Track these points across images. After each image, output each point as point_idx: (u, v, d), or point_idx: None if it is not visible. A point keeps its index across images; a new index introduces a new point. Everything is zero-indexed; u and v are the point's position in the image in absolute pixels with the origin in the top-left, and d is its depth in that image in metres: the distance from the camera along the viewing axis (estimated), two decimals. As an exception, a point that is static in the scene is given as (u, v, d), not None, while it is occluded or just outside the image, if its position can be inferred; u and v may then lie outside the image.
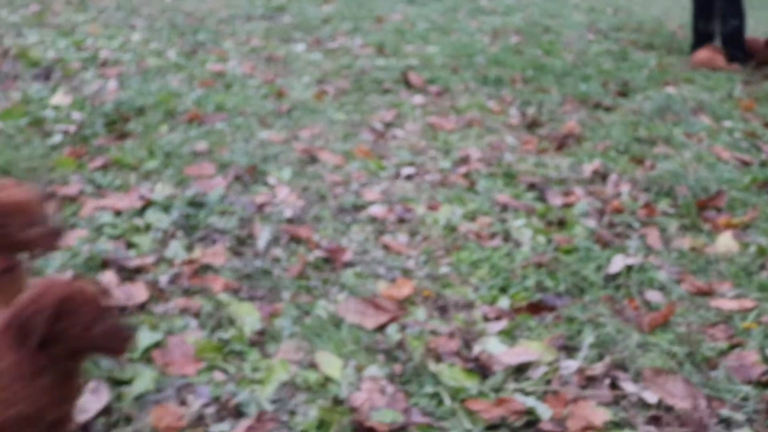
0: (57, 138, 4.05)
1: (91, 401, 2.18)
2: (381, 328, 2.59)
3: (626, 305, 2.77)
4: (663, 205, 3.68)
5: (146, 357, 2.41)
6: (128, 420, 2.13)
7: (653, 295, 2.87)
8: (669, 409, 2.24)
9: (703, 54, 6.65)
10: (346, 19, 7.66)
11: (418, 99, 5.18)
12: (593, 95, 5.45)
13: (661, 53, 7.08)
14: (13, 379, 1.61)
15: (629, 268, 3.01)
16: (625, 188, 3.83)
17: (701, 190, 3.80)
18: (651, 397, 2.27)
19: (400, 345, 2.49)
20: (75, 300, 1.64)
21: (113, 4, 7.91)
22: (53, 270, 2.83)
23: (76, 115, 4.36)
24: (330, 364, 2.37)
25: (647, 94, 5.57)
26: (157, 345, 2.45)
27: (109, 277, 2.79)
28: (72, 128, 4.17)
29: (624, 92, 5.63)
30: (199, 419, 2.15)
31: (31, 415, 1.62)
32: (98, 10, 7.47)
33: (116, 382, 2.28)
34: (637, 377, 2.37)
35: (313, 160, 3.97)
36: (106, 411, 2.16)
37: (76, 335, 1.63)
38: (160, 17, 7.29)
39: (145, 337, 2.47)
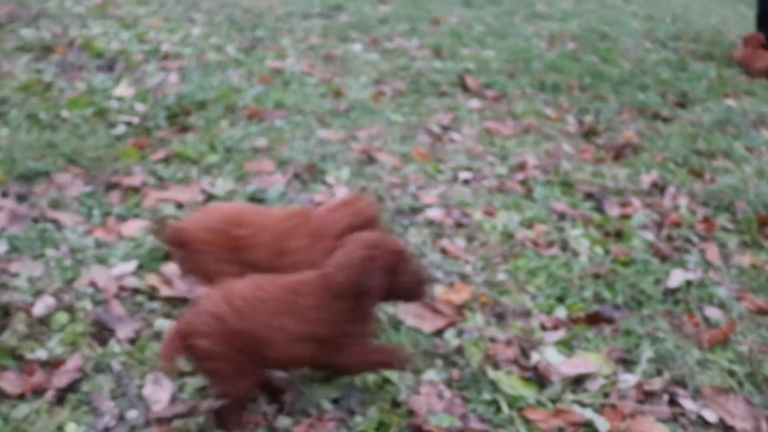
0: (121, 129, 4.12)
1: (156, 391, 2.24)
2: (439, 333, 2.61)
3: (685, 321, 2.76)
4: (722, 220, 3.65)
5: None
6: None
7: (713, 312, 2.85)
8: (729, 429, 2.23)
9: (764, 64, 6.55)
10: (402, 20, 7.67)
11: (474, 103, 5.18)
12: (651, 105, 5.40)
13: (721, 64, 6.99)
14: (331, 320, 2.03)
15: (688, 283, 2.99)
16: (683, 201, 3.80)
17: (762, 205, 3.76)
18: (711, 415, 2.26)
19: (458, 350, 2.50)
20: (399, 255, 2.04)
21: (173, -2, 8.01)
22: (117, 259, 2.89)
23: (139, 107, 4.43)
24: (388, 365, 2.39)
25: (706, 106, 5.51)
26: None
27: (172, 269, 2.84)
28: (135, 120, 4.25)
29: (683, 103, 5.57)
30: (263, 416, 2.18)
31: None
32: (159, 3, 7.57)
33: (179, 374, 2.33)
34: (696, 395, 2.36)
35: (371, 160, 3.99)
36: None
37: (394, 286, 2.04)
38: (219, 12, 7.37)
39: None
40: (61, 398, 2.22)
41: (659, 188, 3.97)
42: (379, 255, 2.03)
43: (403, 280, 2.07)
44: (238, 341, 1.98)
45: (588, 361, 2.47)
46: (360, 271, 2.01)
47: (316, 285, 2.06)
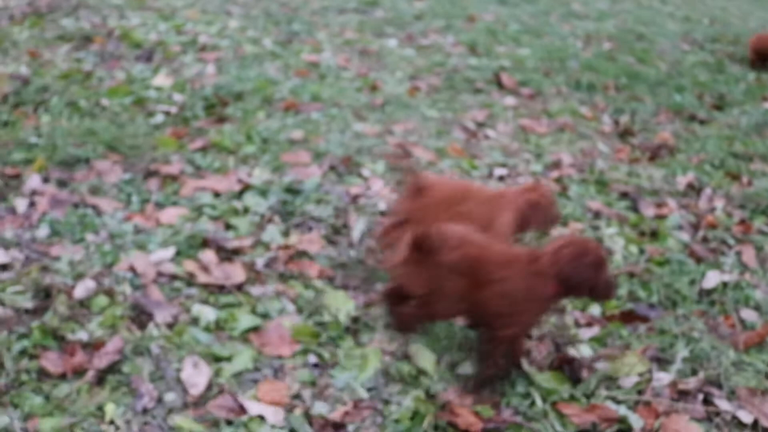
0: (159, 118, 4.17)
1: (195, 375, 2.27)
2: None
3: (721, 322, 2.75)
4: (759, 222, 3.63)
5: (244, 337, 2.49)
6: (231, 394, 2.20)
7: (748, 314, 2.84)
8: (765, 431, 2.22)
9: None
10: (437, 17, 7.67)
11: (509, 100, 5.18)
12: (688, 107, 5.36)
13: (759, 67, 6.91)
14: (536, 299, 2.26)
15: (724, 285, 2.98)
16: (719, 203, 3.78)
17: (801, 210, 3.73)
18: (746, 416, 2.25)
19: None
20: (603, 258, 2.25)
21: (210, -10, 8.07)
22: (155, 245, 2.93)
23: (177, 97, 4.48)
24: (424, 357, 2.41)
25: (744, 109, 5.46)
26: (255, 328, 2.53)
27: (209, 256, 2.88)
28: (173, 109, 4.29)
29: (720, 105, 5.53)
30: (299, 398, 2.21)
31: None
32: (196, -5, 7.63)
33: (215, 359, 2.37)
34: (732, 395, 2.35)
35: (406, 154, 4.00)
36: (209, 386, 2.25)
37: (594, 284, 2.24)
38: (256, 5, 7.41)
39: (244, 319, 2.55)
40: (101, 379, 2.26)
41: (695, 190, 3.95)
42: (589, 254, 2.24)
43: (601, 280, 2.26)
44: (461, 267, 2.20)
45: (622, 359, 2.47)
46: (572, 264, 2.22)
47: (529, 261, 2.27)
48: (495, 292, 2.21)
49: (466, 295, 2.21)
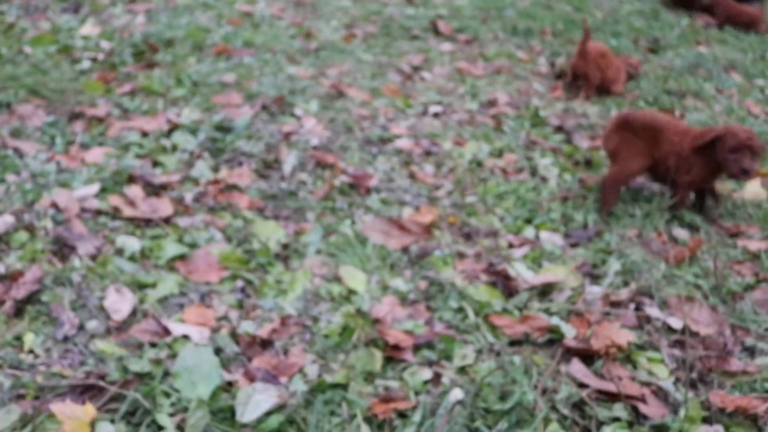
0: (85, 64, 4.04)
1: (118, 302, 2.19)
2: (405, 250, 2.59)
3: (654, 238, 2.75)
4: (692, 153, 3.64)
5: (170, 266, 2.42)
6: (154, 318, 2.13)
7: (681, 233, 2.85)
8: (693, 334, 2.23)
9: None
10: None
11: (446, 46, 5.14)
12: (624, 50, 5.37)
13: (692, 14, 6.97)
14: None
15: (659, 208, 2.98)
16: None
17: (731, 140, 3.75)
18: (676, 322, 2.26)
19: (425, 264, 2.48)
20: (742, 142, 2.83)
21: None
22: (80, 183, 2.83)
23: (105, 45, 4.35)
24: (354, 277, 2.38)
25: (678, 52, 5.49)
26: (181, 257, 2.46)
27: (135, 191, 2.79)
28: (100, 56, 4.16)
29: (654, 49, 5.56)
30: (225, 319, 2.15)
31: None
32: (127, -47, 7.43)
33: (139, 286, 2.29)
34: (663, 305, 2.36)
35: (340, 95, 3.95)
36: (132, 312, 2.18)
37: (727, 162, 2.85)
38: (189, -39, 7.24)
39: (170, 248, 2.48)
40: (19, 310, 2.17)
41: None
42: (732, 138, 2.83)
43: (737, 159, 2.82)
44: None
45: (555, 273, 2.46)
46: (714, 138, 2.86)
47: (696, 135, 2.97)
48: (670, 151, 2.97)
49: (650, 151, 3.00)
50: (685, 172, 2.96)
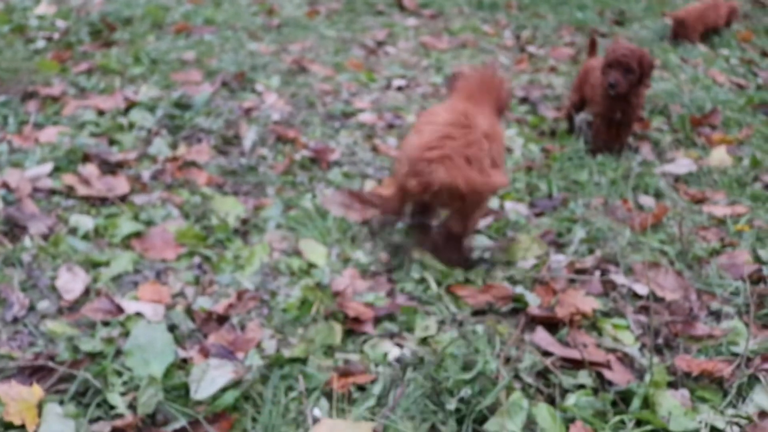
0: (40, 44, 3.94)
1: (70, 281, 2.13)
2: (366, 223, 2.53)
3: (619, 206, 2.72)
4: (657, 122, 3.62)
5: (125, 244, 2.35)
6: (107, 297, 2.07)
7: (646, 200, 2.82)
8: (659, 300, 2.20)
9: None
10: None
11: (411, 21, 5.08)
12: (589, 23, 5.35)
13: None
14: None
15: (624, 177, 2.96)
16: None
17: (696, 109, 3.74)
18: (641, 288, 2.23)
19: (388, 236, 2.43)
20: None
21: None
22: (33, 163, 2.75)
23: (60, 24, 4.25)
24: (314, 251, 2.32)
25: (643, 24, 5.48)
26: (137, 234, 2.39)
27: (90, 170, 2.71)
28: (56, 35, 4.07)
29: (620, 21, 5.54)
30: (181, 296, 2.09)
31: None
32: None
33: (93, 265, 2.22)
34: (628, 272, 2.33)
35: (302, 70, 3.88)
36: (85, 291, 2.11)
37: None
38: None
39: (125, 226, 2.41)
40: (-33, 292, 2.10)
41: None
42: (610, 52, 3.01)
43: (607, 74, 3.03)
44: None
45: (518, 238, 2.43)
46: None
47: None
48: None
49: None
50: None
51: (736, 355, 1.97)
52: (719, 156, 3.24)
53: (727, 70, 4.48)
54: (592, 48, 3.57)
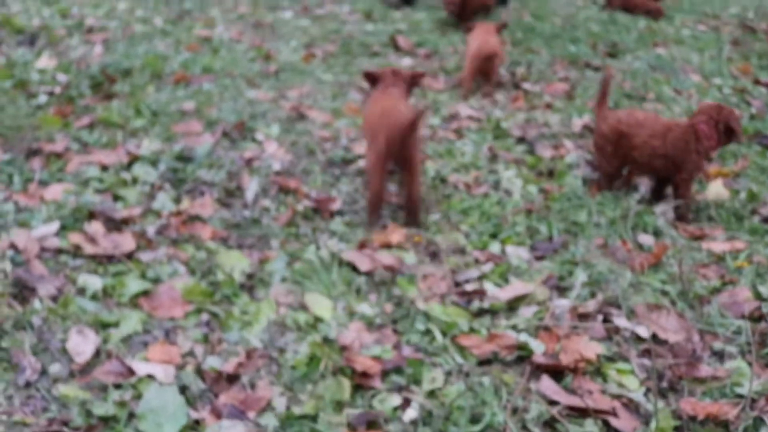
0: (42, 99, 4.00)
1: (81, 344, 2.16)
2: (370, 273, 2.57)
3: (619, 247, 2.75)
4: (654, 156, 3.66)
5: (133, 303, 2.38)
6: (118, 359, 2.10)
7: (646, 239, 2.86)
8: (662, 342, 2.23)
9: None
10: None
11: (406, 61, 5.15)
12: (582, 56, 5.41)
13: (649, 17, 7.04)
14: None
15: (623, 216, 2.99)
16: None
17: (692, 142, 3.78)
18: (644, 331, 2.26)
19: (392, 286, 2.47)
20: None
21: (98, -24, 7.81)
22: (39, 222, 2.78)
23: (62, 78, 4.31)
24: (320, 305, 2.35)
25: (636, 55, 5.54)
26: (145, 293, 2.42)
27: (95, 228, 2.75)
28: (57, 89, 4.13)
29: (613, 53, 5.60)
30: (191, 355, 2.12)
31: None
32: (83, -18, 7.38)
33: (103, 325, 2.26)
34: (630, 314, 2.36)
35: (301, 117, 3.94)
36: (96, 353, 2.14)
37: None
38: (146, -12, 7.21)
39: (132, 284, 2.45)
40: (-21, 357, 2.13)
41: (591, 130, 3.96)
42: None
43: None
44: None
45: (521, 285, 2.46)
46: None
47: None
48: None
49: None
50: None
51: (740, 396, 2.00)
52: (716, 189, 3.28)
53: (721, 100, 4.53)
54: (604, 96, 3.28)
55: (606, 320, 2.33)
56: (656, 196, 3.22)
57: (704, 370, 2.12)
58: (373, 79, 3.24)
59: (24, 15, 5.72)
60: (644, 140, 3.07)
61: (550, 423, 1.91)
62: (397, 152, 2.89)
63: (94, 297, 2.39)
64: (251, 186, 3.10)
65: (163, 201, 2.99)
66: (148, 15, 6.03)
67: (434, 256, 2.73)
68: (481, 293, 2.43)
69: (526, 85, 4.73)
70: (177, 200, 3.02)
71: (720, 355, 2.21)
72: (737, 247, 2.78)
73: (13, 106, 3.82)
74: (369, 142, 3.01)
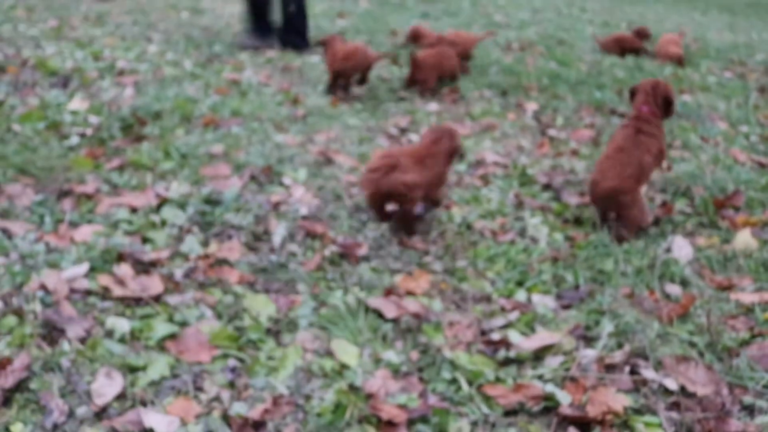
0: (74, 140, 4.06)
1: (105, 385, 2.17)
2: (397, 320, 2.57)
3: (646, 297, 2.74)
4: (680, 204, 3.66)
5: (160, 346, 2.40)
6: (143, 404, 2.11)
7: (673, 289, 2.84)
8: (690, 395, 2.21)
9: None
10: (360, 32, 7.69)
11: (432, 106, 5.19)
12: (608, 102, 5.43)
13: (675, 64, 7.06)
14: None
15: (650, 265, 2.98)
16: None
17: (718, 190, 3.78)
18: (672, 383, 2.24)
19: (418, 333, 2.47)
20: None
21: (130, 20, 7.96)
22: (69, 263, 2.82)
23: (93, 119, 4.37)
24: (346, 351, 2.36)
25: (663, 102, 5.53)
26: (172, 336, 2.44)
27: (124, 270, 2.78)
28: (89, 131, 4.19)
29: (639, 100, 5.59)
30: (217, 400, 2.13)
31: None
32: (115, 25, 7.52)
33: (130, 369, 2.27)
34: (658, 366, 2.34)
35: (328, 162, 3.97)
36: (120, 396, 2.15)
37: None
38: (176, 31, 7.34)
39: (160, 328, 2.46)
40: (7, 399, 2.14)
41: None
42: None
43: None
44: None
45: (547, 335, 2.45)
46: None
47: None
48: None
49: None
50: None
51: (771, 453, 1.97)
52: (744, 239, 3.26)
53: (748, 148, 4.53)
54: None
55: (633, 371, 2.31)
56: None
57: (734, 425, 2.10)
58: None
59: (58, 57, 5.83)
60: None
61: (577, 477, 1.90)
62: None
63: (121, 340, 2.41)
64: (278, 230, 3.12)
65: (191, 244, 3.02)
66: (178, 58, 6.13)
67: (460, 303, 2.73)
68: (506, 343, 2.42)
69: (552, 132, 4.74)
70: (205, 243, 3.05)
71: (750, 410, 2.18)
72: (766, 299, 2.76)
73: (46, 148, 3.89)
74: None
